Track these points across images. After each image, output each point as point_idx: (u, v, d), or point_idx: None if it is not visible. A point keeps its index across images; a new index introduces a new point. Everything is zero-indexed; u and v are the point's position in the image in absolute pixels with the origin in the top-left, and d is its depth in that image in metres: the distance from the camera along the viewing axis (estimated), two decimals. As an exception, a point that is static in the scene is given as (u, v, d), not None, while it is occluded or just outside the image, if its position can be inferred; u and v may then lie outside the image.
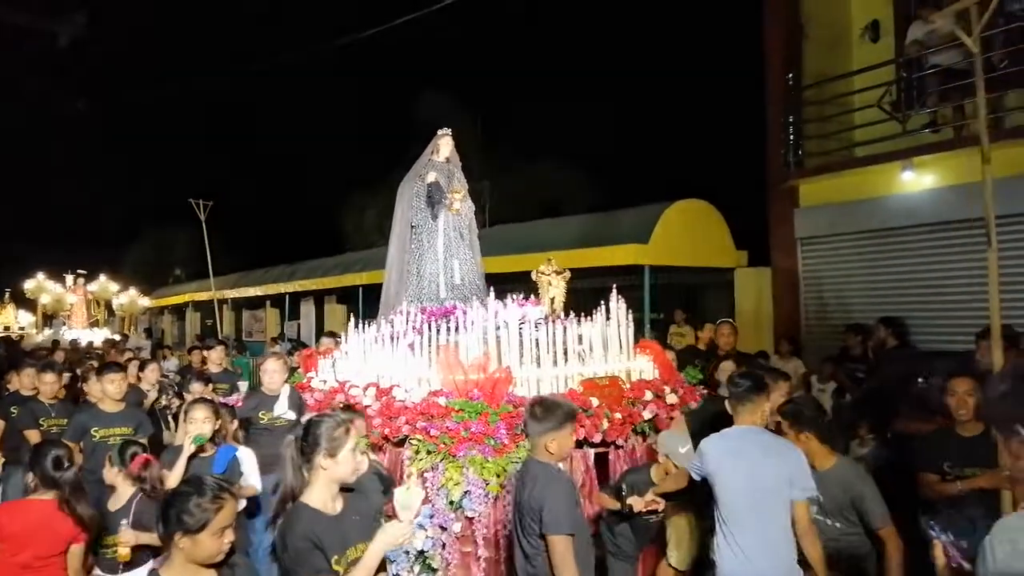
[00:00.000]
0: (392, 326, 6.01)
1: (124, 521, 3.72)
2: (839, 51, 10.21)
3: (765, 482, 3.41)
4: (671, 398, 5.39)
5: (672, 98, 19.43)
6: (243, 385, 7.72)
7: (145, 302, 28.40)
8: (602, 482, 4.84)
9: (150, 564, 2.54)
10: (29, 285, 24.46)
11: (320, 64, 27.80)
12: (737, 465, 3.48)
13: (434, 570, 4.32)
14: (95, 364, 7.95)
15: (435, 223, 6.70)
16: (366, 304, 17.21)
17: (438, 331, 5.37)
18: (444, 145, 6.93)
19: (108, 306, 26.94)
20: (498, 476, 4.36)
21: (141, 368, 7.37)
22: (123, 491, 3.91)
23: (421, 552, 4.29)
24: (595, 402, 4.88)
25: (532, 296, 6.38)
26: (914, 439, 4.76)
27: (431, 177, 6.77)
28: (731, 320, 7.60)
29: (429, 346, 5.39)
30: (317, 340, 16.03)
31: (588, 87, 23.11)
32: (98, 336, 20.28)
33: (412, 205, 6.80)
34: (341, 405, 5.04)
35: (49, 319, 25.01)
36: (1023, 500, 1.68)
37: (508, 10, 21.60)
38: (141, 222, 35.30)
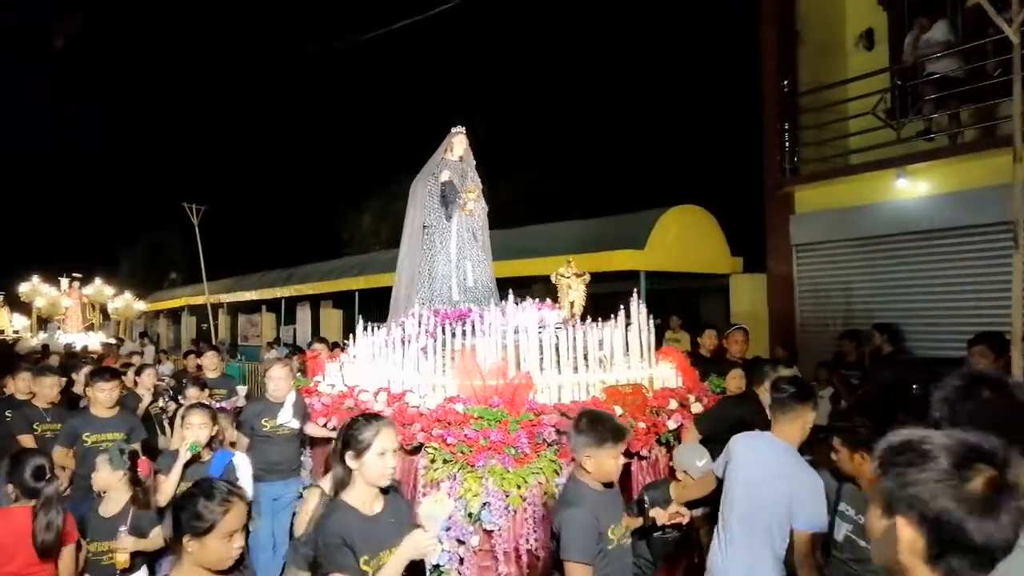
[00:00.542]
0: (403, 329, 5.80)
1: (123, 528, 3.70)
2: (834, 59, 10.26)
3: (762, 500, 3.29)
4: (696, 407, 5.16)
5: (668, 104, 19.48)
6: (242, 390, 7.67)
7: (140, 306, 28.33)
8: (625, 495, 4.57)
9: (163, 569, 2.56)
10: (24, 288, 24.37)
11: (315, 67, 27.85)
12: (743, 471, 3.39)
13: None
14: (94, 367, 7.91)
15: (448, 223, 6.49)
16: (362, 308, 17.21)
17: (453, 335, 5.17)
18: (458, 143, 6.74)
19: (103, 310, 26.88)
20: (519, 487, 4.16)
21: (138, 373, 7.35)
22: (118, 497, 3.86)
23: (437, 567, 4.10)
24: (619, 411, 4.64)
25: (547, 300, 6.22)
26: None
27: (445, 176, 6.57)
28: (743, 325, 7.45)
29: (443, 350, 5.18)
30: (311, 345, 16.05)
31: (584, 93, 23.17)
32: (93, 340, 20.21)
33: (425, 205, 6.58)
34: (367, 410, 4.78)
35: (44, 323, 24.93)
36: None
37: (505, 14, 21.64)
38: (137, 226, 35.26)
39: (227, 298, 22.70)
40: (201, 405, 4.68)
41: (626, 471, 4.64)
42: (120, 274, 32.44)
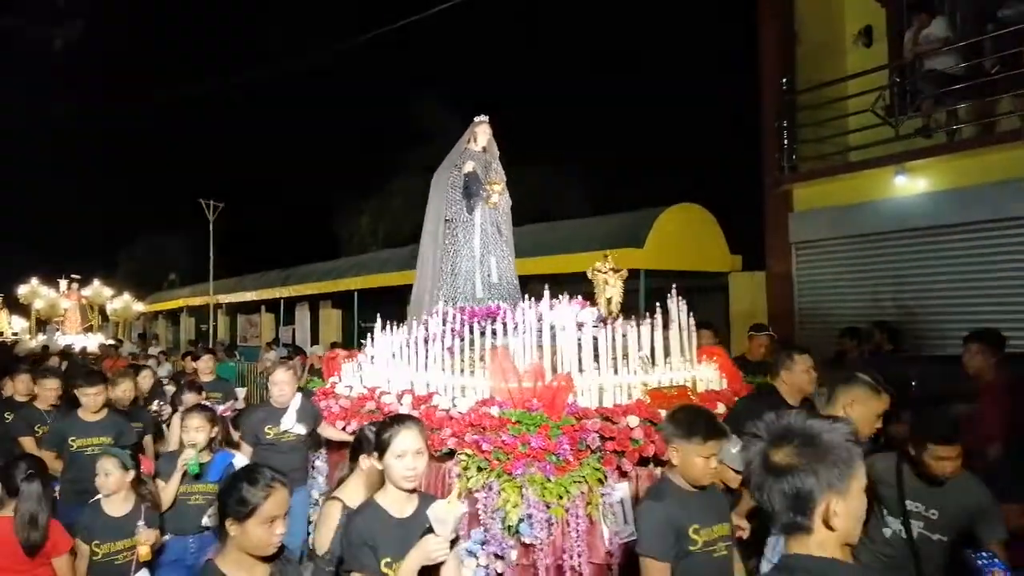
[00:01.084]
0: (426, 328, 5.47)
1: (140, 522, 3.73)
2: (832, 56, 10.26)
3: None
4: None
5: (667, 103, 19.49)
6: (240, 392, 7.60)
7: (139, 307, 28.31)
8: None
9: (208, 553, 2.57)
10: (22, 290, 24.33)
11: (313, 69, 27.84)
12: None
13: None
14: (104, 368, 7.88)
15: (471, 217, 6.21)
16: (361, 309, 17.20)
17: (482, 333, 4.87)
18: (481, 133, 6.45)
19: (102, 311, 26.85)
20: (561, 498, 3.84)
21: (136, 373, 7.33)
22: (126, 495, 3.84)
23: None
24: (664, 414, 4.23)
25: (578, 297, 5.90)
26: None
27: (468, 167, 6.27)
28: (768, 328, 7.08)
29: (472, 350, 4.90)
30: (312, 345, 16.06)
31: (583, 92, 23.16)
32: (92, 342, 20.19)
33: (447, 197, 6.28)
34: (390, 413, 4.53)
35: (43, 324, 24.89)
36: None
37: (504, 14, 21.64)
38: (135, 227, 35.23)
39: (226, 299, 22.70)
40: (200, 407, 4.64)
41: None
42: (119, 275, 32.40)
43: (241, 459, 4.70)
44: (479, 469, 4.10)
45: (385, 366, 5.66)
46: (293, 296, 19.52)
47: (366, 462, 2.68)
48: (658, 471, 4.21)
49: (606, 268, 5.65)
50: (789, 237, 10.04)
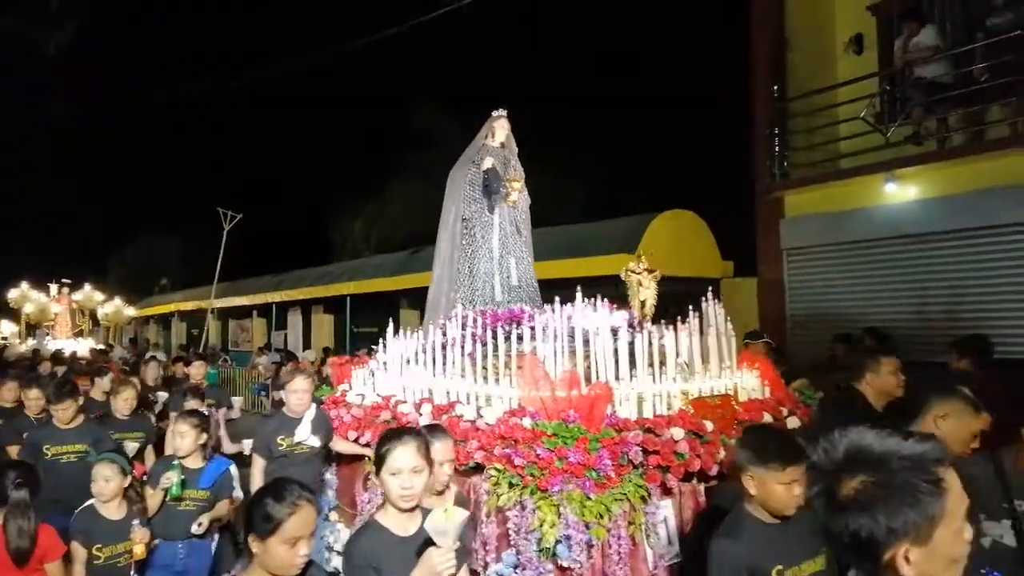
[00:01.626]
0: (444, 333, 5.18)
1: (136, 522, 3.76)
2: (824, 64, 10.31)
3: None
4: (792, 422, 4.54)
5: (659, 109, 19.54)
6: (236, 401, 7.52)
7: (130, 312, 28.19)
8: None
9: (234, 570, 2.56)
10: (12, 294, 24.18)
11: (312, 71, 27.84)
12: None
13: None
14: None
15: (490, 216, 5.93)
16: (354, 314, 17.18)
17: (507, 338, 4.59)
18: (499, 128, 6.20)
19: (93, 316, 26.70)
20: (601, 517, 3.54)
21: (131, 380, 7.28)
22: (120, 500, 3.85)
23: None
24: (710, 426, 4.07)
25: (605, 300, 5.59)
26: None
27: (488, 163, 6.01)
28: (764, 336, 6.81)
29: (495, 356, 4.61)
30: (304, 350, 16.02)
31: (575, 98, 23.20)
32: (82, 346, 20.08)
33: (464, 195, 5.99)
34: (408, 424, 4.36)
35: (33, 329, 24.74)
36: None
37: (496, 21, 21.69)
38: (127, 231, 35.10)
39: (218, 303, 22.63)
40: (189, 413, 4.61)
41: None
42: (110, 280, 32.26)
43: (235, 468, 4.67)
44: (511, 485, 3.79)
45: (400, 373, 5.36)
46: (285, 301, 19.47)
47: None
48: (702, 487, 4.02)
49: (640, 269, 5.36)
50: (780, 243, 10.07)
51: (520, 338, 4.55)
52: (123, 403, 5.63)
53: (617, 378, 4.30)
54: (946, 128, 8.57)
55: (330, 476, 5.35)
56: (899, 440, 1.39)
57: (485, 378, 4.66)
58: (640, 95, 20.36)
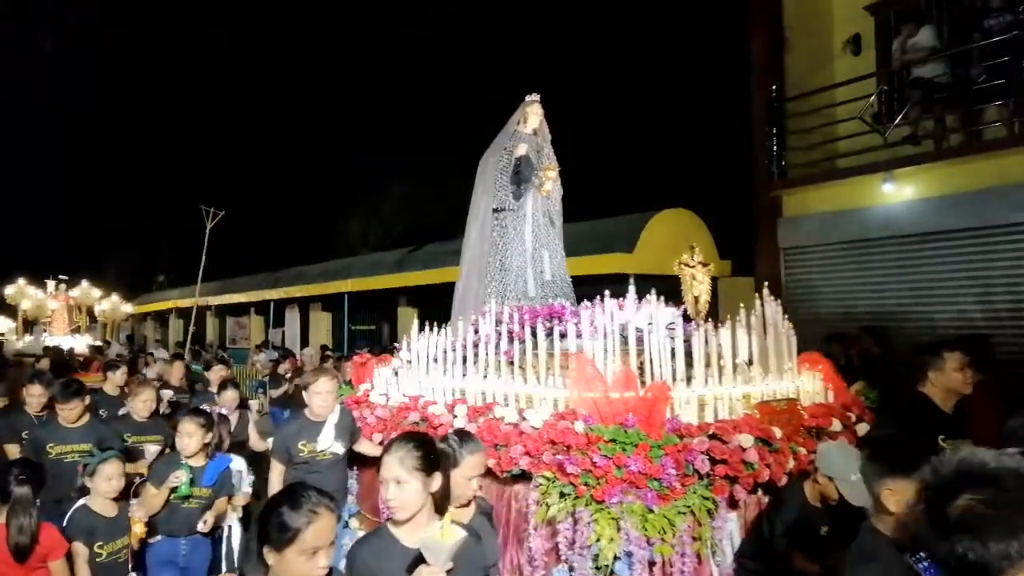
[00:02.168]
0: (476, 330, 4.89)
1: (134, 502, 3.85)
2: (821, 64, 10.33)
3: None
4: (862, 427, 4.25)
5: (657, 108, 19.54)
6: (253, 404, 7.41)
7: (127, 308, 28.16)
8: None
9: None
10: (9, 290, 24.15)
11: (303, 70, 27.80)
12: None
13: None
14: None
15: (523, 206, 5.64)
16: (351, 311, 17.18)
17: (548, 335, 4.29)
18: (532, 114, 5.90)
19: (90, 312, 26.68)
20: (664, 532, 3.25)
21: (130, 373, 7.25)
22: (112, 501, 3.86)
23: None
24: (778, 432, 3.74)
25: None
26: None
27: (521, 150, 5.72)
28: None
29: (535, 355, 4.30)
30: (302, 348, 16.01)
31: (572, 96, 23.17)
32: (79, 343, 20.06)
33: (496, 184, 5.68)
34: (441, 426, 4.12)
35: (30, 325, 24.71)
36: None
37: (491, 17, 21.68)
38: (124, 228, 35.01)
39: (216, 300, 22.62)
40: (196, 411, 4.57)
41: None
42: (107, 276, 32.20)
43: (240, 462, 4.67)
44: (562, 495, 3.48)
45: (427, 372, 5.03)
46: (283, 298, 19.47)
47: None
48: (766, 499, 3.69)
49: (694, 262, 4.96)
50: (778, 243, 10.10)
51: (564, 335, 4.25)
52: (142, 405, 5.39)
53: (674, 379, 3.99)
54: (943, 128, 8.60)
55: (351, 482, 5.09)
56: (1018, 459, 1.30)
57: (524, 378, 4.35)
58: (638, 93, 20.36)
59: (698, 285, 4.90)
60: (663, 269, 10.82)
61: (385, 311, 16.96)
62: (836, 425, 4.09)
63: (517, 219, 5.64)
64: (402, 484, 2.38)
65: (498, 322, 4.83)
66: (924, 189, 8.56)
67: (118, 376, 6.71)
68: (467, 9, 21.42)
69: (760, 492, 3.73)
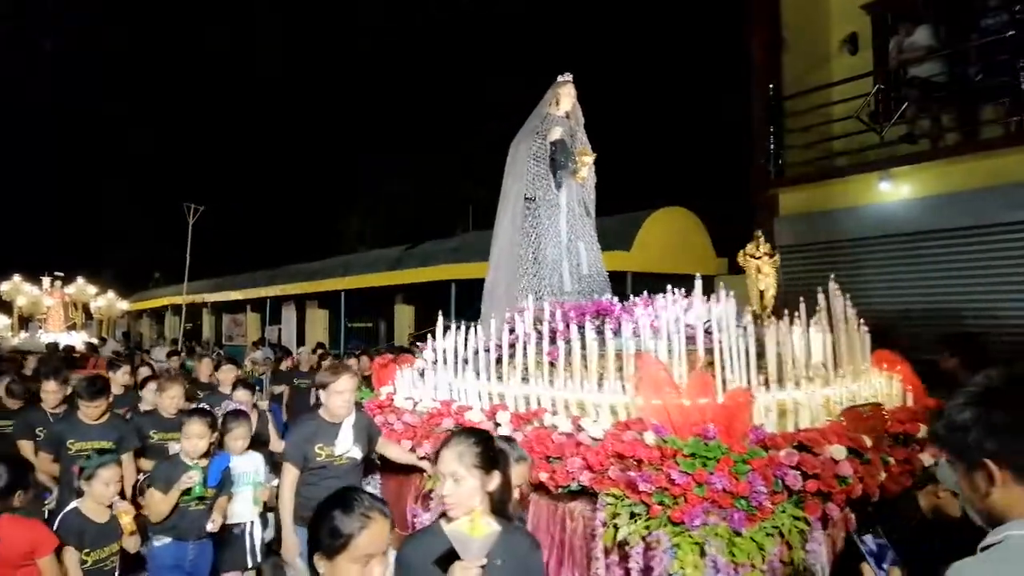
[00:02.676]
0: (511, 329, 4.46)
1: (115, 498, 3.72)
2: (819, 63, 10.34)
3: None
4: None
5: (654, 106, 19.55)
6: (262, 404, 7.32)
7: (123, 305, 28.10)
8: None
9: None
10: (5, 287, 24.08)
11: (306, 63, 27.76)
12: None
13: None
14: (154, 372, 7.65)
15: (557, 194, 5.29)
16: (348, 309, 17.17)
17: (598, 332, 3.92)
18: (565, 95, 5.52)
19: (86, 309, 26.61)
20: (753, 557, 2.90)
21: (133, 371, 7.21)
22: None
23: None
24: (868, 441, 3.37)
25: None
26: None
27: (556, 134, 5.35)
28: None
29: (584, 356, 3.90)
30: (298, 345, 16.00)
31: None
32: (75, 339, 20.01)
33: (529, 171, 5.29)
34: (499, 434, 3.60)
35: (25, 322, 24.65)
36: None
37: (491, 17, 21.66)
38: (120, 225, 34.94)
39: (212, 298, 22.59)
40: (201, 412, 4.41)
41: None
42: (103, 273, 32.12)
43: (240, 460, 4.51)
44: (633, 515, 3.12)
45: (458, 375, 4.63)
46: (279, 296, 19.46)
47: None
48: (852, 516, 3.32)
49: (760, 252, 4.59)
50: (775, 241, 10.10)
51: (617, 333, 3.86)
52: (169, 401, 5.21)
53: (748, 383, 3.57)
54: (940, 128, 8.62)
55: (373, 490, 4.68)
56: None
57: (571, 381, 3.96)
58: (635, 92, 20.37)
59: (764, 279, 4.51)
60: (660, 267, 10.88)
61: (382, 309, 16.97)
62: (924, 431, 3.67)
63: (551, 208, 5.29)
64: (460, 480, 2.30)
65: (537, 320, 4.46)
66: (921, 188, 8.58)
67: (120, 376, 6.64)
68: (467, 9, 21.40)
69: (847, 510, 3.33)
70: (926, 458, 3.48)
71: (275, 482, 4.70)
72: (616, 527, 3.14)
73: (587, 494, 3.42)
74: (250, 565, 4.45)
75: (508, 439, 3.02)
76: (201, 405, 5.21)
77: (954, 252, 8.28)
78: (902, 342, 8.38)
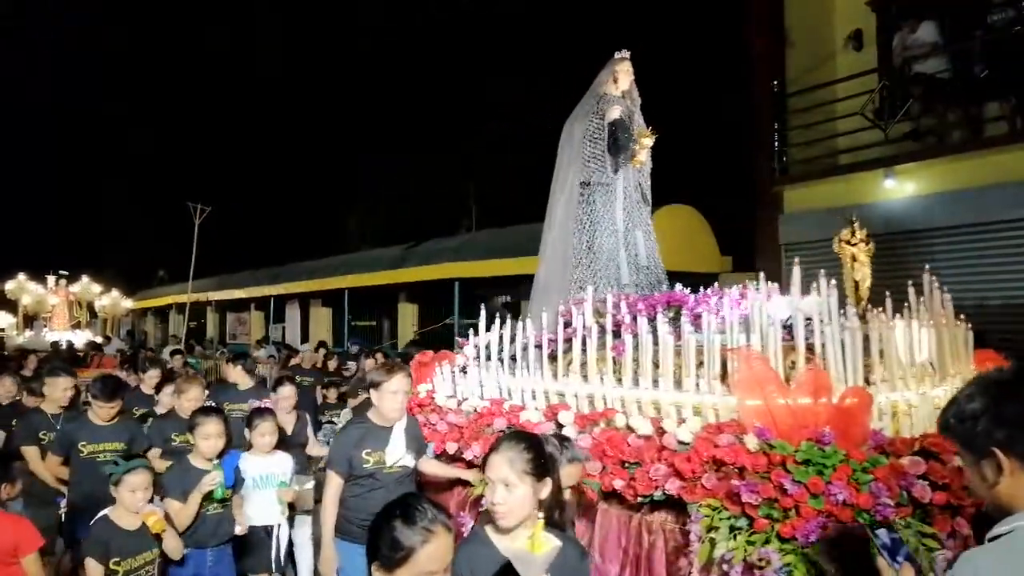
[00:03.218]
0: (567, 323, 4.16)
1: (142, 502, 3.46)
2: (823, 59, 10.31)
3: None
4: None
5: (658, 104, 19.53)
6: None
7: (128, 304, 28.16)
8: None
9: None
10: (9, 286, 24.15)
11: (306, 61, 27.75)
12: None
13: None
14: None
15: (614, 178, 4.94)
16: (352, 307, 17.18)
17: (674, 323, 3.62)
18: (623, 73, 5.19)
19: (90, 308, 26.68)
20: None
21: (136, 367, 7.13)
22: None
23: None
24: None
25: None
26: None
27: (615, 113, 5.00)
28: None
29: (656, 353, 3.56)
30: (302, 344, 16.02)
31: (572, 96, 23.09)
32: (80, 338, 20.07)
33: (584, 153, 4.95)
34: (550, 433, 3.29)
35: (30, 320, 24.72)
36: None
37: (491, 17, 21.64)
38: (122, 224, 35.01)
39: (216, 296, 22.61)
40: (213, 410, 4.20)
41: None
42: (107, 272, 32.19)
43: (251, 460, 4.34)
44: (733, 529, 2.81)
45: (508, 372, 4.30)
46: (283, 294, 19.48)
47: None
48: (967, 531, 2.88)
49: (856, 239, 4.02)
50: (779, 239, 10.09)
51: (695, 326, 3.53)
52: (188, 403, 4.97)
53: (852, 380, 3.21)
54: (945, 124, 8.58)
55: None
56: None
57: (641, 378, 3.60)
58: (640, 89, 20.35)
59: (860, 268, 3.99)
60: (665, 265, 10.84)
61: (385, 307, 16.97)
62: None
63: (607, 194, 4.92)
64: (511, 487, 2.17)
65: (597, 312, 4.09)
66: (925, 185, 8.55)
67: (150, 376, 6.53)
68: (467, 9, 21.36)
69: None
70: None
71: (308, 484, 4.55)
72: (713, 542, 2.82)
73: (670, 504, 3.11)
74: (275, 569, 4.33)
75: (562, 438, 2.82)
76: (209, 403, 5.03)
77: (959, 249, 8.25)
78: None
